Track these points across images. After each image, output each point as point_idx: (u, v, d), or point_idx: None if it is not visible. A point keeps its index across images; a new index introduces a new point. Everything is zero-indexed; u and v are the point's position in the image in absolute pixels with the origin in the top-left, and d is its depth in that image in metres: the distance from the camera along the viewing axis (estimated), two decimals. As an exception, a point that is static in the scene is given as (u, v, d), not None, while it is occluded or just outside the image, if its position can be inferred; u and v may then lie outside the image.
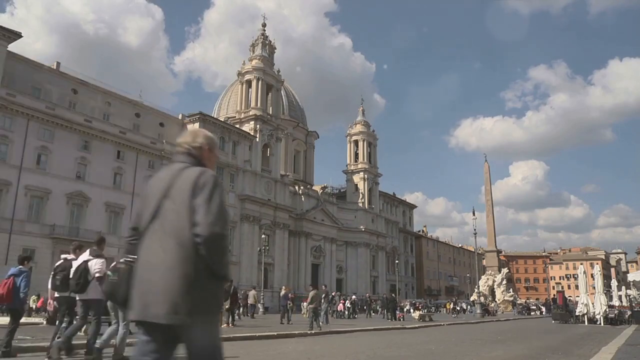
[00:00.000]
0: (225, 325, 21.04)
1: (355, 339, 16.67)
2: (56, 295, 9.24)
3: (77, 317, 9.10)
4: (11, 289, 8.73)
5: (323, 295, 25.67)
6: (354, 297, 44.52)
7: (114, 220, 49.14)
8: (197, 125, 59.88)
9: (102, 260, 8.57)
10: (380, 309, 44.11)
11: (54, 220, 43.41)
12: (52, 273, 9.12)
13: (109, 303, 8.33)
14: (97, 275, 8.23)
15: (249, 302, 32.69)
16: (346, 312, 38.77)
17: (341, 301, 40.72)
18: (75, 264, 8.62)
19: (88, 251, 8.71)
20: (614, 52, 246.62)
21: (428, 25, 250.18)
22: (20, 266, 9.17)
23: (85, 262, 8.43)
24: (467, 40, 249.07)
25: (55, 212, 43.81)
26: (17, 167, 41.71)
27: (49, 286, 9.33)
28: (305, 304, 32.23)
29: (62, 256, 9.44)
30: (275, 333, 17.30)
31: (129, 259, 2.82)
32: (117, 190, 49.38)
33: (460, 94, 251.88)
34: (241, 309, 31.85)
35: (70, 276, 8.49)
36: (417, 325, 26.43)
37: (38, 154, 43.57)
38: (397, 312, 36.63)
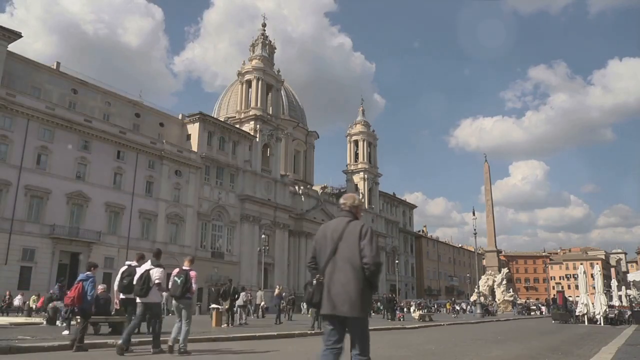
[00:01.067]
0: (225, 325, 21.04)
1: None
2: (122, 296, 10.67)
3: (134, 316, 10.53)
4: (80, 292, 10.14)
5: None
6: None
7: (114, 220, 49.14)
8: (197, 125, 59.98)
9: (161, 269, 10.04)
10: (380, 309, 44.12)
11: (54, 220, 43.40)
12: (120, 277, 10.55)
13: (174, 304, 9.98)
14: (157, 281, 9.78)
15: (256, 302, 32.68)
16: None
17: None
18: (138, 271, 10.06)
19: (149, 261, 10.12)
20: (613, 52, 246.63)
21: (428, 24, 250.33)
22: (88, 272, 10.59)
23: (147, 270, 9.91)
24: (467, 40, 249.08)
25: (55, 212, 43.79)
26: (17, 167, 41.69)
27: (115, 288, 10.66)
28: (305, 304, 32.23)
29: (127, 263, 10.83)
30: (275, 333, 17.30)
31: (320, 278, 4.39)
32: (117, 190, 49.37)
33: (460, 93, 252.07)
34: (251, 309, 32.01)
35: (134, 282, 10.00)
36: (417, 325, 26.44)
37: (38, 154, 43.55)
38: (397, 312, 36.62)
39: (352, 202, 4.74)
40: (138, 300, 10.02)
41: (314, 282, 4.45)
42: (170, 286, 9.94)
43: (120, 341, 9.71)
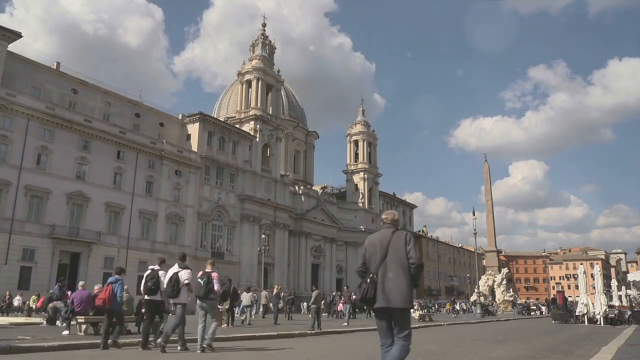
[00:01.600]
0: (225, 325, 21.04)
1: (355, 339, 16.67)
2: (146, 298, 11.07)
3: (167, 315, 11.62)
4: (111, 294, 11.04)
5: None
6: (353, 297, 44.43)
7: (114, 220, 49.15)
8: (197, 125, 59.97)
9: (189, 271, 10.68)
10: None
11: (54, 220, 43.40)
12: (144, 280, 11.02)
13: (198, 303, 10.76)
14: (186, 282, 10.53)
15: (261, 302, 32.79)
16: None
17: (341, 301, 40.71)
18: (168, 274, 10.73)
19: (177, 264, 10.81)
20: (613, 52, 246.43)
21: (428, 24, 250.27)
22: (117, 275, 11.50)
23: (176, 273, 10.56)
24: (467, 40, 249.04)
25: (55, 212, 43.79)
26: (17, 167, 41.70)
27: (142, 291, 11.21)
28: (306, 304, 32.34)
29: (150, 267, 11.33)
30: (275, 333, 17.31)
31: (374, 277, 5.33)
32: (117, 190, 49.37)
33: (460, 94, 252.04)
34: (260, 309, 32.22)
35: (165, 284, 10.68)
36: (417, 325, 26.44)
37: (38, 154, 43.56)
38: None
39: (393, 216, 5.98)
40: (171, 301, 10.82)
41: (368, 280, 5.37)
42: (194, 287, 10.73)
43: (160, 340, 10.61)
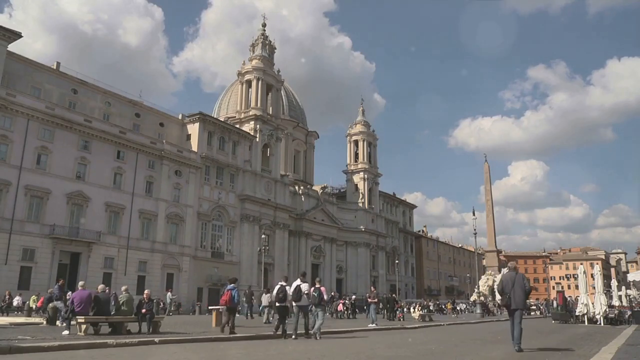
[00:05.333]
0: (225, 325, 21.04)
1: (355, 339, 16.67)
2: (277, 304, 16.05)
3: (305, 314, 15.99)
4: (231, 297, 16.30)
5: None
6: (353, 297, 44.46)
7: (114, 220, 49.13)
8: (197, 125, 59.93)
9: (307, 284, 15.75)
10: (380, 309, 44.04)
11: (54, 220, 43.39)
12: (276, 292, 16.04)
13: (313, 307, 15.79)
14: (306, 292, 15.46)
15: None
16: (346, 312, 38.69)
17: (341, 301, 40.69)
18: (292, 286, 15.60)
19: (299, 279, 15.91)
20: (612, 52, 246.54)
21: (428, 24, 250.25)
22: (232, 284, 16.84)
23: (299, 285, 15.47)
24: (467, 40, 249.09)
25: (55, 212, 43.78)
26: (17, 167, 41.70)
27: (274, 299, 16.46)
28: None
29: (280, 283, 16.32)
30: (232, 336, 17.24)
31: (509, 295, 11.52)
32: (117, 190, 49.37)
33: (459, 94, 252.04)
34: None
35: (290, 293, 15.62)
36: (417, 325, 26.45)
37: (38, 154, 43.55)
38: (398, 313, 36.57)
39: (515, 266, 12.63)
40: (294, 304, 15.66)
41: (508, 296, 11.43)
42: (310, 297, 15.64)
43: (287, 330, 15.68)
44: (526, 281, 11.61)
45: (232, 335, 15.55)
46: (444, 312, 57.10)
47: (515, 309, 11.30)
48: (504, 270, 13.58)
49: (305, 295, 15.37)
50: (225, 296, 16.36)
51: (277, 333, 15.75)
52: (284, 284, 16.15)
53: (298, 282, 15.66)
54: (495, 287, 66.93)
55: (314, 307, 15.76)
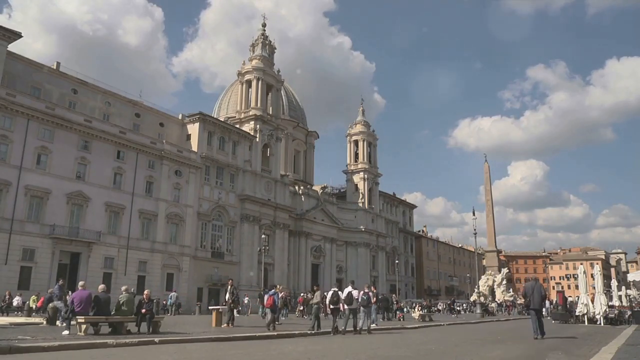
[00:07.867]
0: (225, 325, 21.09)
1: (355, 339, 16.68)
2: (331, 307, 19.15)
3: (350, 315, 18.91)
4: (273, 300, 19.71)
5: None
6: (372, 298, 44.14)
7: (114, 220, 49.12)
8: (197, 125, 59.94)
9: (356, 290, 19.18)
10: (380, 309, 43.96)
11: (54, 220, 43.38)
12: (330, 296, 19.13)
13: (361, 308, 19.02)
14: (355, 297, 18.64)
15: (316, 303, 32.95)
16: (345, 312, 38.66)
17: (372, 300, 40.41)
18: (345, 292, 18.89)
19: (350, 286, 19.50)
20: (612, 52, 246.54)
21: (427, 24, 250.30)
22: (272, 290, 20.90)
23: (350, 292, 18.66)
24: (466, 40, 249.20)
25: (55, 212, 43.77)
26: (17, 167, 41.69)
27: (328, 302, 19.62)
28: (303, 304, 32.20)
29: (333, 289, 19.57)
30: (276, 333, 17.32)
31: (530, 298, 16.24)
32: (117, 190, 49.35)
33: (459, 94, 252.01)
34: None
35: (343, 298, 18.84)
36: (417, 325, 26.46)
37: (38, 154, 43.53)
38: (398, 313, 36.57)
39: (536, 277, 19.19)
40: (346, 306, 18.74)
41: (529, 299, 16.11)
42: (360, 300, 18.87)
43: (343, 327, 18.46)
44: (543, 289, 16.01)
45: (274, 333, 17.54)
46: (453, 312, 54.49)
47: (534, 308, 15.75)
48: (527, 281, 18.26)
49: (355, 300, 18.58)
50: (269, 300, 19.78)
51: (335, 330, 18.40)
52: (335, 289, 19.54)
53: (349, 288, 18.95)
54: (496, 287, 67.61)
55: (362, 308, 18.90)
